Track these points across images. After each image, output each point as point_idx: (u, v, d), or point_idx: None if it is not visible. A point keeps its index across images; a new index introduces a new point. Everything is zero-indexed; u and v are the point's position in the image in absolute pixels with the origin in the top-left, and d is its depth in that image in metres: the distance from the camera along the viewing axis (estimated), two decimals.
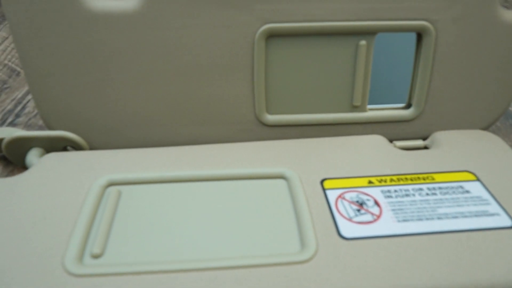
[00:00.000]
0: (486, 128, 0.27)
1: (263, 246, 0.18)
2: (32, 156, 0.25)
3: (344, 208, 0.20)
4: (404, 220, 0.19)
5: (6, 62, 0.41)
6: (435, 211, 0.20)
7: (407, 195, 0.21)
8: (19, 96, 0.35)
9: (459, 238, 0.18)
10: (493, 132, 0.28)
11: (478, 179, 0.22)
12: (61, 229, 0.19)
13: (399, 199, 0.20)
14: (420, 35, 0.24)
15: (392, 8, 0.23)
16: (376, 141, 0.25)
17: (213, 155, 0.23)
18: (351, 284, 0.17)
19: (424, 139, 0.26)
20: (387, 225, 0.19)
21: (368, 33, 0.24)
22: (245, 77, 0.24)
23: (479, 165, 0.23)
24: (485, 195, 0.21)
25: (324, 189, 0.21)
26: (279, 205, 0.20)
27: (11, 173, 0.26)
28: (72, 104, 0.24)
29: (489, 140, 0.25)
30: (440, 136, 0.25)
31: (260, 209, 0.20)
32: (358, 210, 0.20)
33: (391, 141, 0.26)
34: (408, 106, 0.26)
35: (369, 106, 0.26)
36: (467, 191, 0.21)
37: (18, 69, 0.39)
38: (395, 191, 0.21)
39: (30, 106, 0.33)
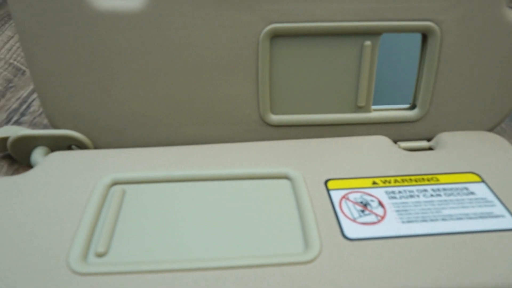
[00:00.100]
0: (491, 130, 0.27)
1: (267, 246, 0.18)
2: (37, 154, 0.25)
3: (348, 209, 0.20)
4: (408, 221, 0.19)
5: (11, 61, 0.41)
6: (439, 212, 0.20)
7: (411, 196, 0.21)
8: (24, 95, 0.35)
9: (463, 239, 0.18)
10: (498, 133, 0.28)
11: (483, 181, 0.22)
12: (66, 227, 0.19)
13: (403, 200, 0.20)
14: (425, 36, 0.24)
15: (397, 9, 0.23)
16: (380, 142, 0.25)
17: (217, 155, 0.23)
18: (355, 285, 0.17)
19: (429, 140, 0.26)
20: (391, 226, 0.19)
21: (373, 33, 0.24)
22: (249, 77, 0.24)
23: (484, 166, 0.23)
24: (490, 196, 0.21)
25: (328, 190, 0.21)
26: (283, 205, 0.20)
27: (16, 171, 0.26)
28: (76, 103, 0.25)
29: (494, 142, 0.25)
30: (445, 137, 0.25)
31: (264, 209, 0.20)
32: (362, 211, 0.20)
33: (395, 142, 0.26)
34: (413, 107, 0.26)
35: (373, 107, 0.26)
36: (472, 193, 0.21)
37: (24, 68, 0.40)
38: (400, 192, 0.21)
39: (35, 105, 0.34)
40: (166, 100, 0.25)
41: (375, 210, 0.20)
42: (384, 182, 0.21)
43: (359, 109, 0.25)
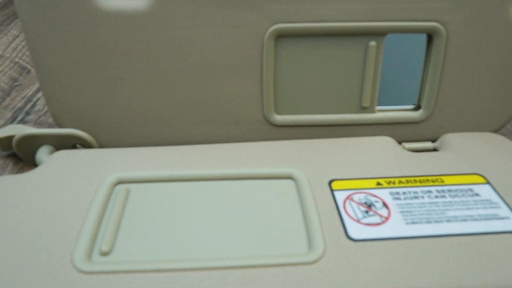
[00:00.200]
0: (496, 131, 0.27)
1: (270, 246, 0.18)
2: (42, 153, 0.25)
3: (352, 210, 0.20)
4: (413, 223, 0.19)
5: (17, 60, 0.41)
6: (444, 213, 0.20)
7: (416, 197, 0.21)
8: (30, 93, 0.35)
9: (468, 241, 0.18)
10: (504, 134, 0.28)
11: (488, 182, 0.21)
12: (70, 226, 0.19)
13: (407, 201, 0.20)
14: (430, 37, 0.24)
15: (402, 9, 0.23)
16: (384, 143, 0.25)
17: (221, 155, 0.23)
18: (359, 285, 0.17)
19: (433, 141, 0.26)
20: (396, 227, 0.19)
21: (378, 34, 0.24)
22: (254, 77, 0.24)
23: (489, 168, 0.22)
24: (495, 198, 0.21)
25: (332, 190, 0.21)
26: (286, 205, 0.20)
27: (21, 170, 0.26)
28: (81, 102, 0.25)
29: (500, 143, 0.25)
30: (450, 138, 0.25)
31: (268, 209, 0.20)
32: (366, 212, 0.20)
33: (400, 142, 0.26)
34: (418, 107, 0.26)
35: (378, 107, 0.26)
36: (477, 194, 0.21)
37: (29, 67, 0.40)
38: (404, 193, 0.21)
39: (40, 104, 0.34)
40: (170, 100, 0.25)
41: (379, 211, 0.20)
42: (389, 183, 0.21)
43: (363, 109, 0.25)
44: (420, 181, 0.22)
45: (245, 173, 0.22)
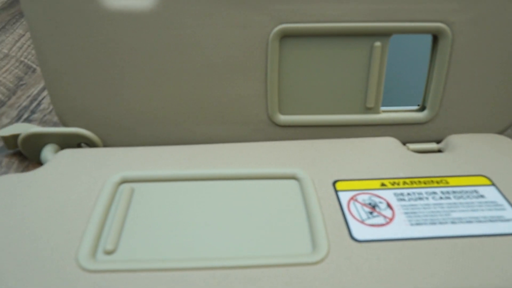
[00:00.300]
0: (501, 132, 0.26)
1: (274, 247, 0.18)
2: (47, 152, 0.25)
3: (357, 210, 0.20)
4: (417, 224, 0.19)
5: (22, 59, 0.41)
6: (448, 215, 0.20)
7: (420, 199, 0.20)
8: (35, 92, 0.35)
9: (473, 243, 0.18)
10: (509, 136, 0.28)
11: (493, 184, 0.21)
12: (75, 224, 0.19)
13: (412, 202, 0.20)
14: (436, 37, 0.24)
15: (408, 10, 0.23)
16: (389, 144, 0.25)
17: (225, 155, 0.23)
18: (363, 286, 0.16)
19: (438, 142, 0.26)
20: (400, 228, 0.19)
21: (383, 34, 0.23)
22: (258, 77, 0.24)
23: (495, 169, 0.22)
24: (500, 200, 0.20)
25: (336, 191, 0.21)
26: (290, 205, 0.20)
27: (26, 168, 0.26)
28: (86, 102, 0.25)
29: (505, 144, 0.25)
30: (455, 140, 0.25)
31: (272, 210, 0.20)
32: (371, 213, 0.20)
33: (404, 143, 0.26)
34: (422, 108, 0.26)
35: (382, 108, 0.26)
36: (482, 196, 0.21)
37: (34, 66, 0.40)
38: (408, 194, 0.21)
39: (45, 102, 0.34)
40: (175, 100, 0.25)
41: (383, 212, 0.20)
42: (393, 184, 0.21)
43: (368, 110, 0.25)
44: (424, 182, 0.21)
45: (249, 173, 0.22)
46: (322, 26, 0.23)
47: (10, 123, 0.31)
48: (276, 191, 0.21)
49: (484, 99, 0.25)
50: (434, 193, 0.21)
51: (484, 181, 0.22)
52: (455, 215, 0.20)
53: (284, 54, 0.24)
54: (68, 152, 0.24)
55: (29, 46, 0.44)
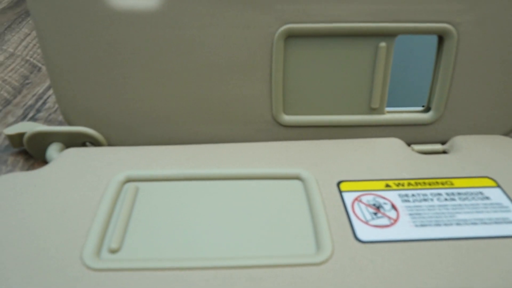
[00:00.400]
0: (507, 134, 0.26)
1: (278, 247, 0.18)
2: (52, 150, 0.25)
3: (361, 211, 0.20)
4: (422, 225, 0.19)
5: (28, 58, 0.41)
6: (453, 216, 0.19)
7: (425, 200, 0.20)
8: (40, 91, 0.36)
9: (478, 245, 0.18)
10: None
11: (498, 186, 0.21)
12: (80, 223, 0.19)
13: (416, 203, 0.20)
14: (441, 38, 0.24)
15: (413, 10, 0.23)
16: (394, 144, 0.24)
17: (230, 154, 0.23)
18: (367, 287, 0.16)
19: (443, 143, 0.26)
20: (404, 229, 0.19)
21: (389, 34, 0.23)
22: (263, 77, 0.24)
23: (500, 171, 0.22)
24: (506, 202, 0.20)
25: (340, 191, 0.21)
26: (294, 206, 0.20)
27: (31, 167, 0.26)
28: (91, 101, 0.25)
29: (510, 146, 0.24)
30: (460, 141, 0.25)
31: (276, 210, 0.20)
32: (375, 214, 0.20)
33: (409, 144, 0.25)
34: (427, 109, 0.26)
35: (387, 109, 0.26)
36: (487, 198, 0.21)
37: (40, 65, 0.40)
38: (413, 195, 0.21)
39: (51, 101, 0.34)
40: (179, 99, 0.25)
41: (388, 213, 0.20)
42: (398, 185, 0.21)
43: (372, 111, 0.25)
44: (429, 184, 0.21)
45: (253, 173, 0.22)
46: (327, 26, 0.23)
47: (16, 121, 0.31)
48: (280, 191, 0.21)
49: (490, 100, 0.25)
50: (439, 194, 0.21)
51: (490, 182, 0.21)
52: (460, 216, 0.19)
53: (289, 54, 0.24)
54: (73, 151, 0.24)
55: (34, 45, 0.44)
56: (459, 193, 0.21)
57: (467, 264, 0.17)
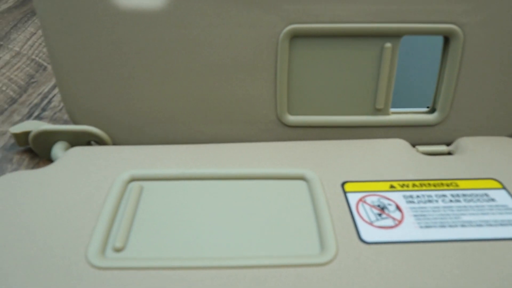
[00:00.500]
0: None
1: (282, 247, 0.18)
2: (58, 149, 0.25)
3: (365, 212, 0.20)
4: (427, 227, 0.19)
5: (33, 57, 0.42)
6: (458, 218, 0.19)
7: (430, 201, 0.20)
8: (46, 90, 0.36)
9: (483, 247, 0.18)
10: None
11: (504, 187, 0.21)
12: (84, 222, 0.19)
13: (421, 204, 0.20)
14: (447, 39, 0.24)
15: (419, 11, 0.23)
16: (398, 145, 0.24)
17: (234, 154, 0.23)
18: None
19: (448, 144, 0.26)
20: (409, 230, 0.19)
21: (394, 35, 0.23)
22: (268, 77, 0.24)
23: (505, 172, 0.22)
24: (511, 204, 0.20)
25: (345, 192, 0.21)
26: (299, 206, 0.20)
27: (37, 165, 0.27)
28: (96, 100, 0.25)
29: None
30: (465, 142, 0.25)
31: (280, 210, 0.20)
32: (379, 215, 0.20)
33: (414, 145, 0.25)
34: (432, 110, 0.26)
35: (392, 110, 0.26)
36: (492, 199, 0.20)
37: (45, 64, 0.40)
38: (418, 196, 0.21)
39: (56, 100, 0.34)
40: (184, 99, 0.25)
41: (392, 214, 0.20)
42: (402, 186, 0.21)
43: (377, 111, 0.25)
44: (434, 185, 0.21)
45: (257, 173, 0.22)
46: (333, 26, 0.23)
47: (21, 120, 0.32)
48: (285, 192, 0.21)
49: (495, 101, 0.25)
50: (444, 195, 0.21)
51: (495, 184, 0.21)
52: (465, 218, 0.19)
53: (294, 54, 0.24)
54: (78, 150, 0.24)
55: (40, 44, 0.44)
56: (464, 195, 0.21)
57: (472, 266, 0.17)
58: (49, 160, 0.27)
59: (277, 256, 0.18)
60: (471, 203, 0.20)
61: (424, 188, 0.21)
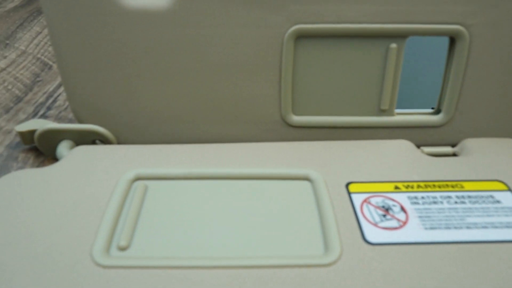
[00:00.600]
0: None
1: (286, 247, 0.18)
2: (63, 148, 0.25)
3: (370, 213, 0.20)
4: (431, 228, 0.19)
5: (39, 56, 0.42)
6: (463, 220, 0.19)
7: (434, 203, 0.20)
8: (51, 89, 0.36)
9: (488, 249, 0.18)
10: None
11: (509, 189, 0.21)
12: (89, 220, 0.19)
13: (426, 206, 0.20)
14: (453, 40, 0.24)
15: (425, 11, 0.23)
16: (403, 146, 0.24)
17: (238, 154, 0.23)
18: None
19: (453, 146, 0.26)
20: (414, 232, 0.19)
21: (399, 36, 0.23)
22: (272, 77, 0.24)
23: (511, 174, 0.22)
24: None
25: (349, 193, 0.21)
26: (303, 206, 0.20)
27: (42, 164, 0.27)
28: (102, 99, 0.25)
29: None
30: (470, 144, 0.25)
31: (284, 210, 0.20)
32: (384, 216, 0.20)
33: (418, 146, 0.25)
34: (438, 111, 0.26)
35: (397, 111, 0.26)
36: (498, 201, 0.20)
37: (51, 63, 0.41)
38: (422, 197, 0.21)
39: (61, 99, 0.34)
40: (189, 98, 0.25)
41: (397, 215, 0.20)
42: (407, 187, 0.21)
43: (382, 112, 0.25)
44: (439, 186, 0.21)
45: (261, 173, 0.22)
46: (338, 27, 0.23)
47: (27, 119, 0.32)
48: (289, 192, 0.21)
49: (501, 103, 0.25)
50: (449, 197, 0.21)
51: (500, 186, 0.21)
52: (470, 220, 0.19)
53: (298, 54, 0.24)
54: (83, 149, 0.24)
55: (45, 43, 0.44)
56: (469, 196, 0.21)
57: (477, 268, 0.17)
58: (54, 158, 0.27)
59: (281, 256, 0.18)
60: (476, 205, 0.20)
61: (429, 189, 0.21)
